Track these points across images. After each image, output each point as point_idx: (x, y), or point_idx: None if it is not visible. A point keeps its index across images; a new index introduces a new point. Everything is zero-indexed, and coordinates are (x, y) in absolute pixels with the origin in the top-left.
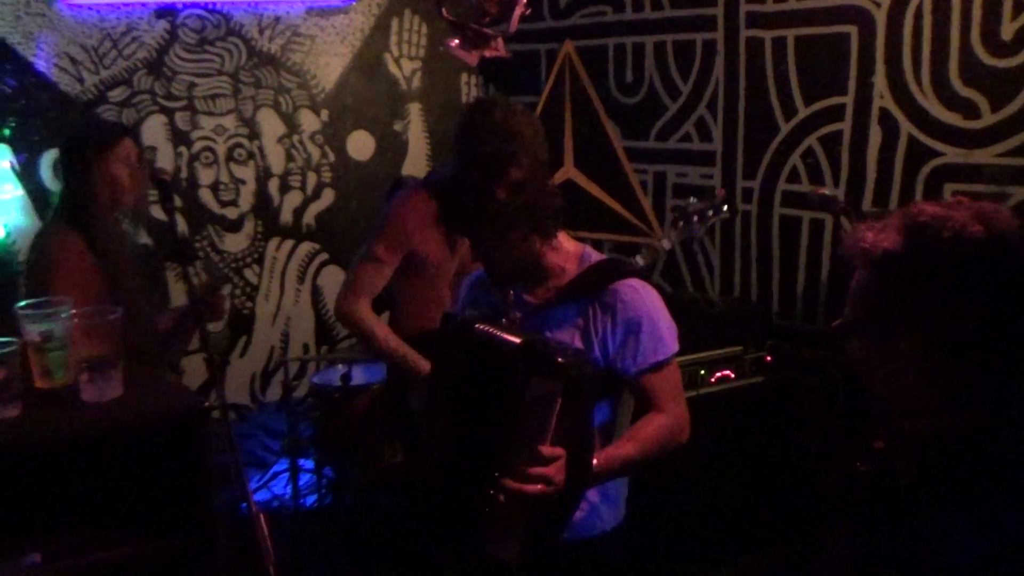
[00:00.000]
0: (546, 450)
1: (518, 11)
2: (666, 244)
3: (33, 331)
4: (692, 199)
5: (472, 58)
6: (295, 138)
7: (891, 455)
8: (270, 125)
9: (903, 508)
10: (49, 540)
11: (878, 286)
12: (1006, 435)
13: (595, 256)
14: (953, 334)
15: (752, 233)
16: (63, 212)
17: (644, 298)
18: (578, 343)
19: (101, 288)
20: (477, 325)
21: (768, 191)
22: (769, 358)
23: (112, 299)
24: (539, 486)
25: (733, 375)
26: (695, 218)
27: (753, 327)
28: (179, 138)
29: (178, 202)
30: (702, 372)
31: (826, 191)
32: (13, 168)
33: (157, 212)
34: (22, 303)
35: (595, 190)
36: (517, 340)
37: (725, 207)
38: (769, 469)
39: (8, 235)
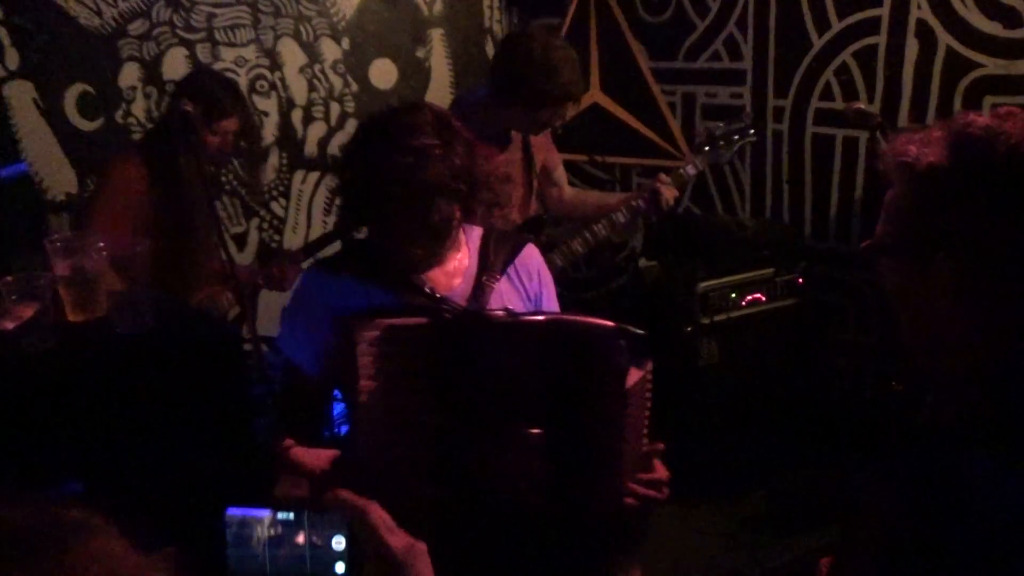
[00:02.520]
0: (653, 447)
1: None
2: (691, 170)
3: (63, 265)
4: (719, 124)
5: None
6: (316, 68)
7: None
8: (291, 55)
9: (941, 449)
10: (89, 469)
11: (918, 203)
12: None
13: (472, 227)
14: (996, 261)
15: (784, 153)
16: (142, 139)
17: (541, 257)
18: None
19: (150, 219)
20: (497, 317)
21: (800, 109)
22: (801, 280)
23: (169, 230)
24: (662, 492)
25: (765, 298)
26: (721, 142)
27: (785, 249)
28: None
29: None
30: (733, 295)
31: (862, 106)
32: (37, 105)
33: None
34: (52, 237)
35: (622, 114)
36: (609, 323)
37: (752, 130)
38: (802, 392)
39: (35, 172)
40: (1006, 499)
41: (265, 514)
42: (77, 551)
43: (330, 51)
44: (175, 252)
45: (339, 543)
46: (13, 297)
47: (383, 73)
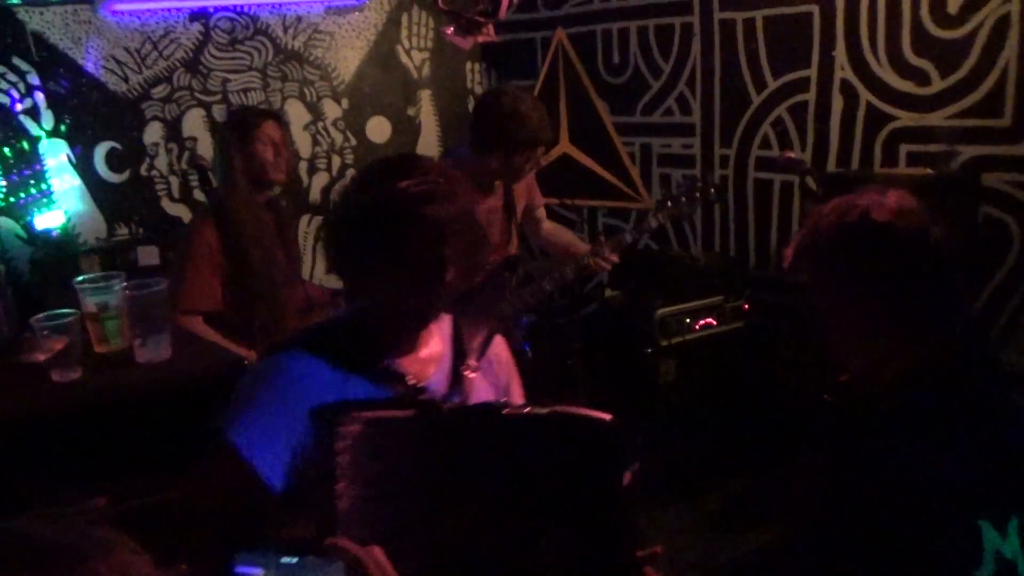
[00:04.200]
0: (650, 553)
1: (506, 1)
2: (653, 223)
3: (90, 303)
4: (677, 181)
5: (466, 43)
6: (320, 125)
7: (853, 387)
8: (297, 114)
9: (873, 435)
10: (113, 490)
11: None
12: (962, 367)
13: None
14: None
15: (730, 194)
16: (208, 201)
17: (507, 346)
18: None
19: (230, 270)
20: (497, 410)
21: (743, 157)
22: (747, 306)
23: (244, 274)
24: None
25: (716, 322)
26: (682, 198)
27: (732, 279)
28: (216, 128)
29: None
30: (687, 320)
31: (793, 155)
32: (70, 160)
33: (198, 195)
34: (80, 278)
35: (589, 162)
36: (604, 416)
37: (712, 190)
38: (750, 404)
39: (69, 220)
40: (931, 476)
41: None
42: (98, 562)
43: (331, 110)
44: (254, 295)
45: None
46: (45, 332)
47: (378, 129)
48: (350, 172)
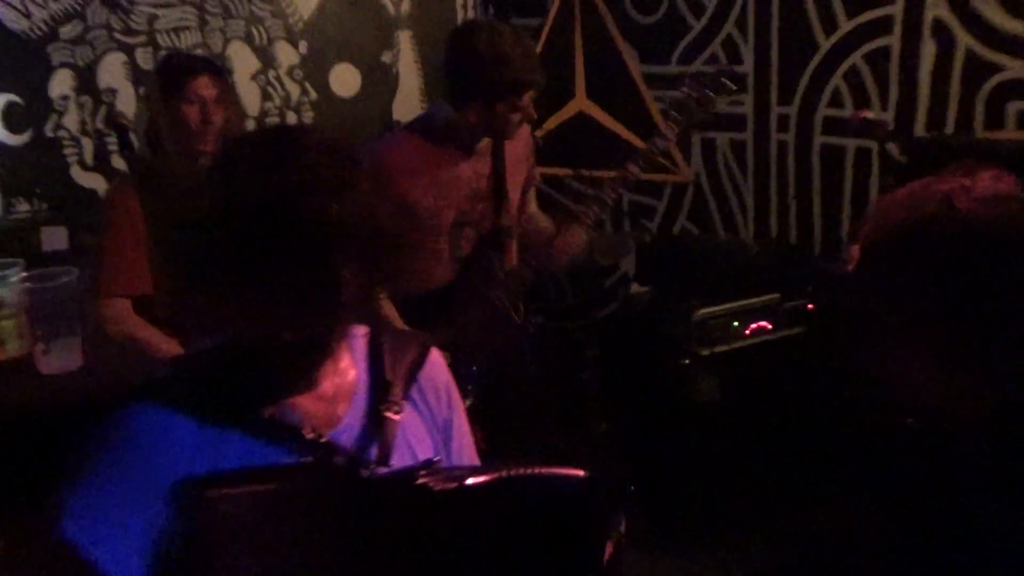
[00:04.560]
0: None
1: None
2: (660, 144)
3: None
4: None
5: None
6: (271, 74)
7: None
8: (242, 61)
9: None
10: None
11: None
12: None
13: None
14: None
15: (790, 166)
16: (129, 169)
17: (446, 365)
18: (437, 450)
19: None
20: (431, 482)
21: (807, 118)
22: (811, 306)
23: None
24: None
25: (771, 326)
26: (694, 101)
27: (792, 272)
28: (141, 78)
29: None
30: (735, 324)
31: (872, 115)
32: None
33: (117, 161)
34: None
35: (610, 122)
36: (578, 472)
37: (728, 79)
38: (813, 429)
39: None
40: (1012, 534)
41: None
42: None
43: (286, 56)
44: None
45: None
46: None
47: (345, 80)
48: None
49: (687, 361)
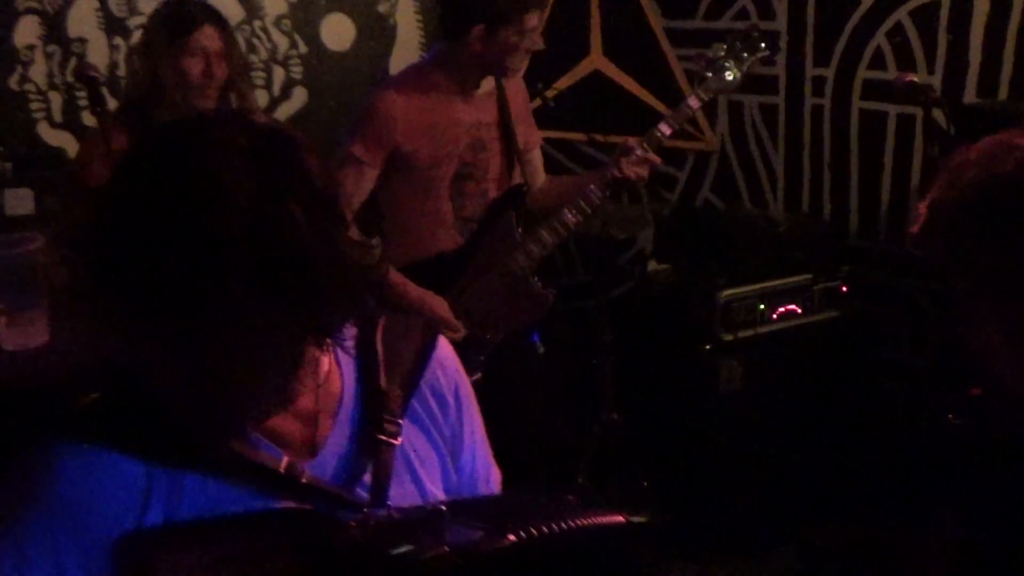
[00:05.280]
0: None
1: None
2: (693, 103)
3: None
4: (722, 44)
5: None
6: (256, 24)
7: (992, 405)
8: (225, 8)
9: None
10: None
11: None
12: None
13: None
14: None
15: (825, 133)
16: (100, 126)
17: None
18: (445, 469)
19: None
20: (430, 549)
21: (845, 80)
22: (845, 288)
23: None
24: None
25: (800, 310)
26: (727, 63)
27: (825, 251)
28: (113, 26)
29: (112, 105)
30: (762, 307)
31: (916, 78)
32: None
33: (88, 118)
34: None
35: (628, 83)
36: (617, 519)
37: (763, 43)
38: (845, 423)
39: None
40: None
41: None
42: None
43: (273, 4)
44: None
45: None
46: None
47: (338, 31)
48: (298, 91)
49: (708, 347)
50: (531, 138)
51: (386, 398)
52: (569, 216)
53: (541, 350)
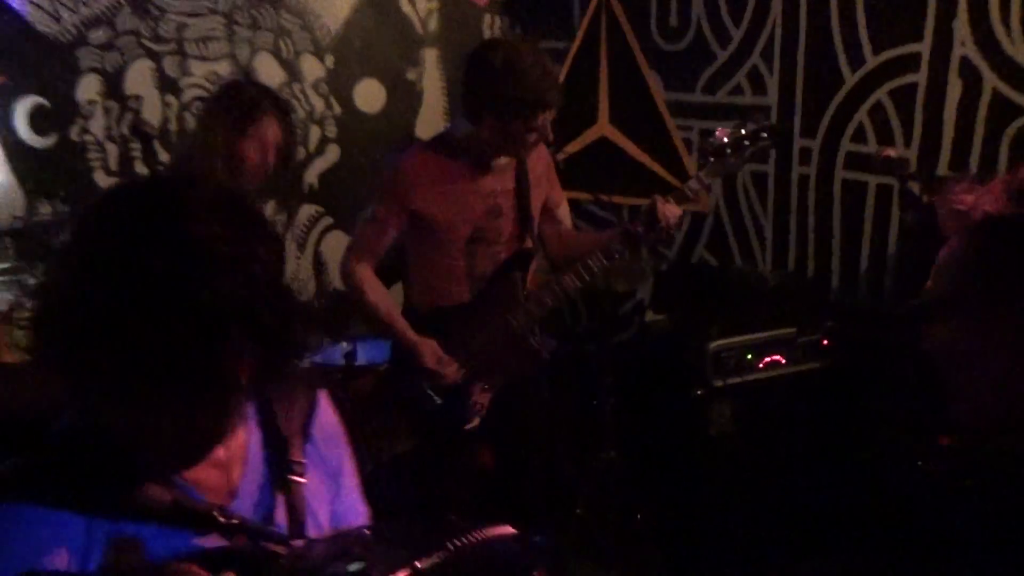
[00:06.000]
0: None
1: None
2: (694, 185)
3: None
4: (727, 128)
5: None
6: (296, 87)
7: (962, 452)
8: (269, 72)
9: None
10: None
11: (978, 255)
12: None
13: None
14: None
15: (810, 199)
16: (170, 165)
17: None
18: (333, 502)
19: None
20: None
21: (830, 152)
22: (827, 341)
23: None
24: None
25: (784, 360)
26: (730, 149)
27: (809, 305)
28: (167, 86)
29: (163, 157)
30: (749, 357)
31: (895, 152)
32: None
33: (140, 167)
34: None
35: (632, 149)
36: (509, 530)
37: (765, 133)
38: (827, 470)
39: None
40: None
41: None
42: None
43: (312, 69)
44: None
45: None
46: None
47: (370, 95)
48: (332, 148)
49: (700, 391)
50: (557, 197)
51: (287, 444)
52: (595, 263)
53: (545, 391)
